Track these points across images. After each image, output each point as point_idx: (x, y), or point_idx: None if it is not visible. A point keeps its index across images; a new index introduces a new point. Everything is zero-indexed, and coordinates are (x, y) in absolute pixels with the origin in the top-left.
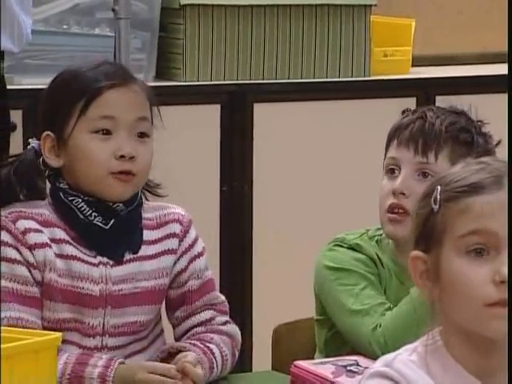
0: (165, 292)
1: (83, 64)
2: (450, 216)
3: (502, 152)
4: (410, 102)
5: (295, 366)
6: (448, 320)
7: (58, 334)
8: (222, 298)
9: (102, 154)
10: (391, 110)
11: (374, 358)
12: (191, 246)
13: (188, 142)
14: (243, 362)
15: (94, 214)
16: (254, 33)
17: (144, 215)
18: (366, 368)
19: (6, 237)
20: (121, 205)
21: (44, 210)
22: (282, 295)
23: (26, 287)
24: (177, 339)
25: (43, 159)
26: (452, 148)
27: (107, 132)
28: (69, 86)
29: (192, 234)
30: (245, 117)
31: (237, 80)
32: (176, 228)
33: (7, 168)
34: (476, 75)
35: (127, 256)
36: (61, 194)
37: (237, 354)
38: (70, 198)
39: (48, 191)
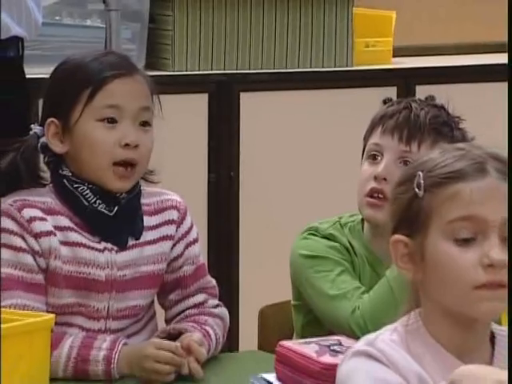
0: (162, 277)
1: (87, 54)
2: (436, 202)
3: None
4: (391, 92)
5: (280, 345)
6: (430, 301)
7: (52, 316)
8: (213, 282)
9: (107, 142)
10: (373, 99)
11: (356, 338)
12: (187, 232)
13: (177, 129)
14: (231, 342)
15: (98, 201)
16: (240, 24)
17: (142, 201)
18: (349, 347)
19: (11, 225)
20: (123, 193)
21: (47, 197)
22: (267, 278)
23: (31, 275)
24: (168, 321)
25: (44, 145)
26: (434, 139)
27: (112, 120)
28: (74, 75)
29: (188, 220)
30: (232, 105)
31: (224, 70)
32: (174, 215)
33: (13, 153)
34: (454, 65)
35: (130, 242)
36: (65, 181)
37: (225, 335)
38: (75, 186)
39: (50, 179)
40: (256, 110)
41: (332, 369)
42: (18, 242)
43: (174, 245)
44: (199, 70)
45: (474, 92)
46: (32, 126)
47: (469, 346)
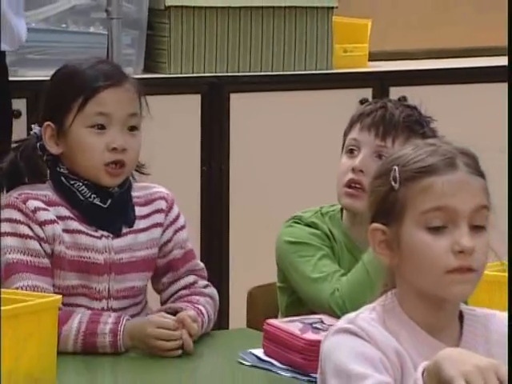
0: (155, 260)
1: (83, 61)
2: (411, 194)
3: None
4: (367, 93)
5: (267, 323)
6: (405, 283)
7: (58, 297)
8: (202, 265)
9: (97, 147)
10: (350, 100)
11: (335, 317)
12: (175, 219)
13: (172, 127)
14: (221, 320)
15: (93, 195)
16: (230, 31)
17: (133, 194)
18: (329, 325)
19: (18, 215)
20: (116, 188)
21: (47, 191)
22: (255, 261)
23: (38, 259)
24: (163, 303)
25: (42, 145)
26: (407, 136)
27: (102, 127)
28: (69, 83)
29: (175, 209)
30: (222, 105)
31: (215, 73)
32: (162, 204)
33: (14, 152)
34: (425, 69)
35: (124, 229)
36: (62, 178)
37: (216, 313)
38: (72, 182)
39: (48, 175)
40: (244, 109)
41: (314, 344)
42: (25, 230)
43: (164, 231)
44: (193, 73)
45: (444, 93)
46: (32, 126)
47: (440, 324)
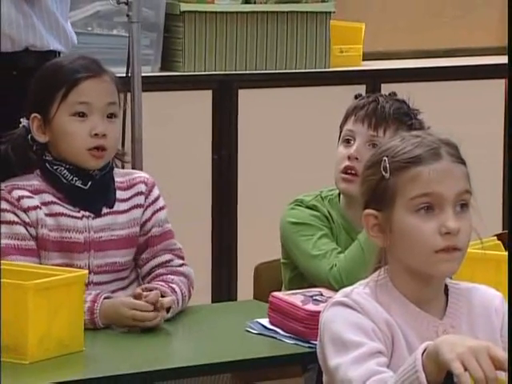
0: (137, 238)
1: (63, 58)
2: (401, 182)
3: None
4: (361, 89)
5: (272, 296)
6: (397, 262)
7: (85, 271)
8: (179, 245)
9: (80, 133)
10: (346, 95)
11: (334, 290)
12: (154, 201)
13: (186, 120)
14: (230, 293)
15: (74, 178)
16: (238, 34)
17: (116, 179)
18: (328, 297)
19: (4, 205)
20: (96, 171)
21: (34, 181)
22: (261, 240)
23: (24, 242)
24: (142, 278)
25: (32, 136)
26: (397, 127)
27: (83, 115)
28: (52, 76)
29: (155, 192)
30: (231, 100)
31: (225, 71)
32: (142, 188)
33: (5, 144)
34: (413, 67)
35: (104, 210)
36: (47, 164)
37: (192, 291)
38: (55, 167)
39: (36, 164)
40: (251, 104)
41: (315, 315)
42: (11, 216)
43: (144, 211)
44: (205, 71)
45: (430, 89)
46: (21, 119)
47: (427, 297)
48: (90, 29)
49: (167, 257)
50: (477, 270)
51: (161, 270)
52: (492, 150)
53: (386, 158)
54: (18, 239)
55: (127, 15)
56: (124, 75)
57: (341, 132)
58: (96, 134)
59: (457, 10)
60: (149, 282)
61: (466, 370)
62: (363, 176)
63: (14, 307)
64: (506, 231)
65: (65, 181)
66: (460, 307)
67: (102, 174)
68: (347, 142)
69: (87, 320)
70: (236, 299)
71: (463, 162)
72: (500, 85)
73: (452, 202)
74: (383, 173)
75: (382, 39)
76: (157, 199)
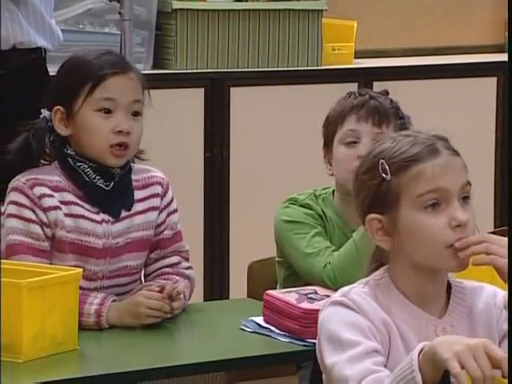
0: (150, 241)
1: (89, 52)
2: (404, 182)
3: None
4: (353, 87)
5: (267, 294)
6: (402, 260)
7: (79, 270)
8: (187, 247)
9: (104, 129)
10: (338, 93)
11: (328, 288)
12: (169, 203)
13: (178, 117)
14: (222, 291)
15: (97, 177)
16: (230, 32)
17: (132, 177)
18: (323, 295)
19: (24, 200)
20: (118, 169)
21: (54, 176)
22: (254, 238)
23: (38, 242)
24: (145, 276)
25: (50, 127)
26: (395, 121)
27: (108, 111)
28: (78, 70)
29: (170, 194)
30: (223, 98)
31: (217, 69)
32: (158, 189)
33: (26, 133)
34: (404, 65)
35: (123, 213)
36: (69, 159)
37: (191, 294)
38: (78, 164)
39: (54, 156)
40: (243, 102)
41: (309, 313)
42: (29, 214)
43: (159, 214)
44: (197, 69)
45: (420, 87)
46: (42, 110)
47: (430, 295)
48: (81, 27)
49: (175, 259)
50: (472, 268)
51: (167, 270)
52: (483, 147)
53: (382, 161)
54: (33, 238)
55: (119, 13)
56: None
57: (328, 133)
58: (120, 131)
59: (448, 8)
60: (152, 280)
61: (463, 368)
62: (359, 182)
63: (8, 305)
64: (501, 228)
65: (87, 179)
66: (462, 306)
67: (123, 173)
68: (351, 142)
69: (93, 322)
70: (228, 297)
71: (459, 154)
72: (492, 82)
73: (457, 195)
74: (383, 175)
75: (374, 37)
76: (171, 201)
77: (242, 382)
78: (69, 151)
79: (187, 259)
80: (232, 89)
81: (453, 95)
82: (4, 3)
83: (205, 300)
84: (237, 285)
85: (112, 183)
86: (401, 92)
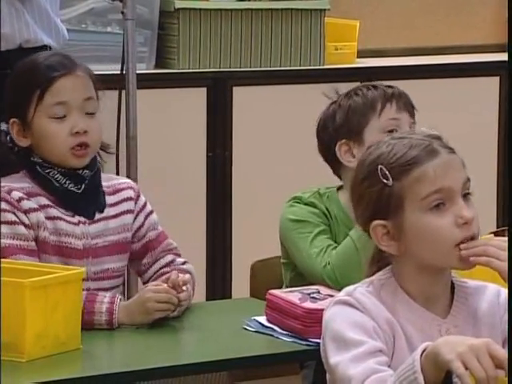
0: (129, 244)
1: (35, 58)
2: (406, 185)
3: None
4: None
5: (270, 293)
6: (409, 261)
7: (82, 269)
8: (175, 244)
9: (61, 134)
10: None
11: (331, 287)
12: (144, 206)
13: (181, 117)
14: (224, 291)
15: (67, 181)
16: (233, 31)
17: (102, 183)
18: (326, 295)
19: (4, 205)
20: (87, 171)
21: (24, 183)
22: (257, 237)
23: (27, 242)
24: (145, 283)
25: (12, 139)
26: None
27: (62, 115)
28: (24, 79)
29: (142, 197)
30: (226, 97)
31: (219, 68)
32: (130, 193)
33: None
34: (408, 65)
35: (97, 215)
36: (37, 167)
37: (194, 287)
38: (47, 171)
39: (21, 165)
40: (245, 101)
41: (312, 313)
42: (12, 217)
43: (135, 217)
44: (199, 68)
45: (424, 87)
46: (1, 124)
47: (434, 295)
48: (84, 26)
49: (169, 257)
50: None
51: (166, 269)
52: (486, 147)
53: (381, 166)
54: (21, 239)
55: (122, 12)
56: (118, 72)
57: (352, 127)
58: (77, 132)
59: (450, 8)
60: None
61: (466, 369)
62: (359, 191)
63: (12, 305)
64: (503, 228)
65: (57, 184)
66: (465, 306)
67: (91, 174)
68: (391, 131)
69: (105, 321)
70: (231, 297)
71: (455, 151)
72: (494, 82)
73: (460, 193)
74: (384, 181)
75: (377, 37)
76: (146, 204)
77: (245, 381)
78: (35, 159)
79: (180, 255)
80: (234, 88)
81: (455, 95)
82: (10, 1)
83: (207, 299)
84: (239, 284)
85: (83, 186)
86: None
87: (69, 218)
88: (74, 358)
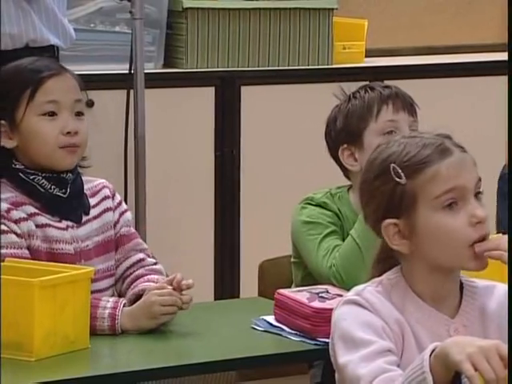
0: (113, 241)
1: (21, 61)
2: (419, 184)
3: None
4: None
5: (278, 293)
6: (419, 260)
7: (91, 269)
8: (146, 245)
9: (51, 132)
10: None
11: (339, 287)
12: (119, 203)
13: (189, 116)
14: (232, 290)
15: (52, 186)
16: (241, 30)
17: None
18: (335, 294)
19: None
20: (69, 174)
21: (7, 193)
22: (265, 236)
23: (20, 250)
24: (117, 279)
25: None
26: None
27: (53, 113)
28: (14, 79)
29: (118, 196)
30: (234, 96)
31: (227, 67)
32: (107, 192)
33: None
34: (415, 64)
35: (84, 218)
36: (20, 174)
37: None
38: (32, 177)
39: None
40: (253, 100)
41: (321, 312)
42: (3, 227)
43: (113, 213)
44: (207, 68)
45: (432, 86)
46: None
47: (443, 294)
48: (92, 25)
49: (140, 255)
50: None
51: (140, 271)
52: (494, 146)
53: (394, 165)
54: (14, 248)
55: (130, 12)
56: (127, 72)
57: (352, 130)
58: (69, 132)
59: (459, 7)
60: (130, 285)
61: (476, 370)
62: (370, 189)
63: (21, 304)
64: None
65: (43, 190)
66: (474, 306)
67: (74, 177)
68: (390, 132)
69: (107, 326)
70: (239, 296)
71: (466, 150)
72: (502, 81)
73: (472, 192)
74: (397, 179)
75: (385, 36)
76: (121, 202)
77: (253, 380)
78: (17, 166)
79: (150, 255)
80: (242, 87)
81: (463, 94)
82: (17, 1)
83: (215, 299)
84: (247, 284)
85: (68, 189)
86: (411, 90)
87: (57, 224)
88: (83, 357)
